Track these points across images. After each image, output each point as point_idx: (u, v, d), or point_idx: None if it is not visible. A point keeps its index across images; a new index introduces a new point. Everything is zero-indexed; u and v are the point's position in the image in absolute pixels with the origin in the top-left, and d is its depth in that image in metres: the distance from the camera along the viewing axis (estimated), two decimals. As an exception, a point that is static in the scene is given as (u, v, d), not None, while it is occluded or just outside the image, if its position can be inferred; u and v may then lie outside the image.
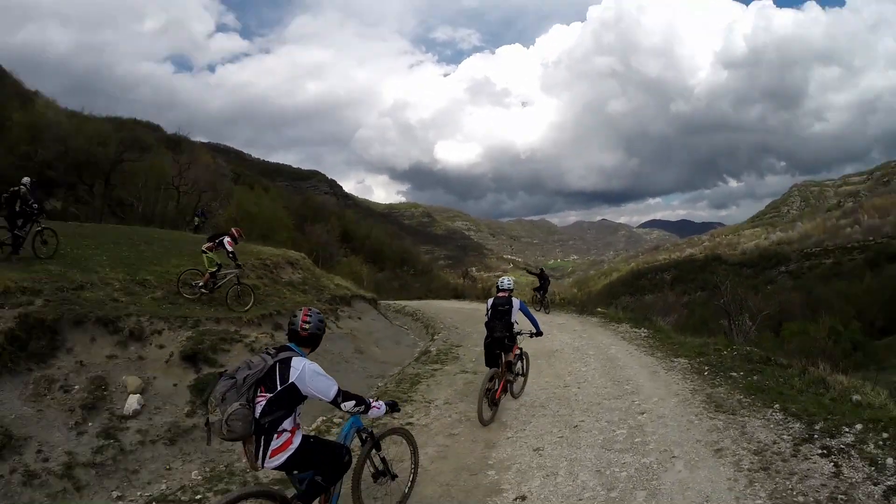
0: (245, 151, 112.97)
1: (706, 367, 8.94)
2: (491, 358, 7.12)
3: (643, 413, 6.82)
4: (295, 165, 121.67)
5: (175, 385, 8.01)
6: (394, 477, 4.30)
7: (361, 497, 4.05)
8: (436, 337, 15.06)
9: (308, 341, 3.62)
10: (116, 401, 7.12)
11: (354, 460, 3.93)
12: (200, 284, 11.53)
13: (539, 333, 7.35)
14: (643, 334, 13.31)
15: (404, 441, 4.72)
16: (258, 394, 3.34)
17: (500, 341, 7.04)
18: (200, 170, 36.39)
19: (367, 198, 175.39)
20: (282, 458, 3.38)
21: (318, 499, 3.64)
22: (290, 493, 3.60)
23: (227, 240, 11.83)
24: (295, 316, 3.63)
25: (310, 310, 3.68)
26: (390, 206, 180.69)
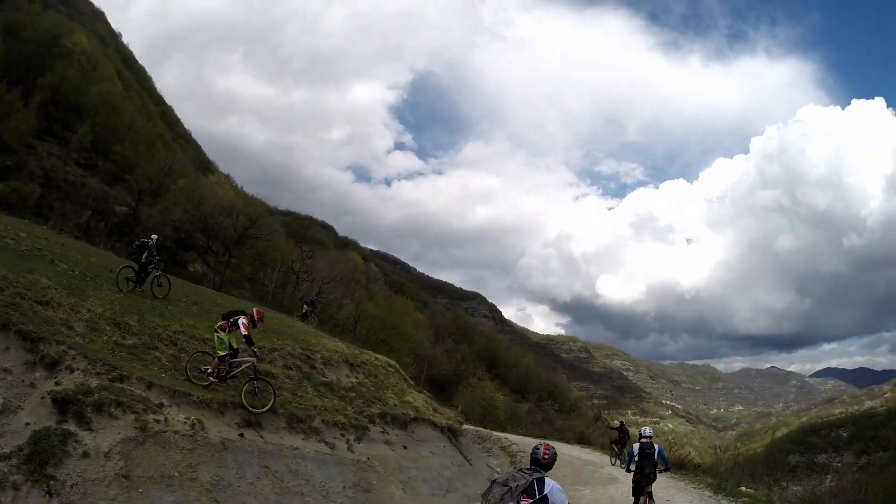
0: (411, 264, 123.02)
1: None
2: (638, 489, 9.60)
3: None
4: (457, 285, 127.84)
5: (27, 425, 7.31)
6: None
7: None
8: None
9: (544, 466, 5.03)
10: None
11: None
12: (209, 371, 10.09)
13: (668, 469, 10.25)
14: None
15: None
16: (522, 499, 4.68)
17: (649, 476, 9.51)
18: (342, 266, 40.28)
19: (526, 326, 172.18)
20: None
21: None
22: None
23: (242, 320, 10.12)
24: (537, 448, 5.11)
25: (547, 445, 5.15)
26: (548, 338, 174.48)
